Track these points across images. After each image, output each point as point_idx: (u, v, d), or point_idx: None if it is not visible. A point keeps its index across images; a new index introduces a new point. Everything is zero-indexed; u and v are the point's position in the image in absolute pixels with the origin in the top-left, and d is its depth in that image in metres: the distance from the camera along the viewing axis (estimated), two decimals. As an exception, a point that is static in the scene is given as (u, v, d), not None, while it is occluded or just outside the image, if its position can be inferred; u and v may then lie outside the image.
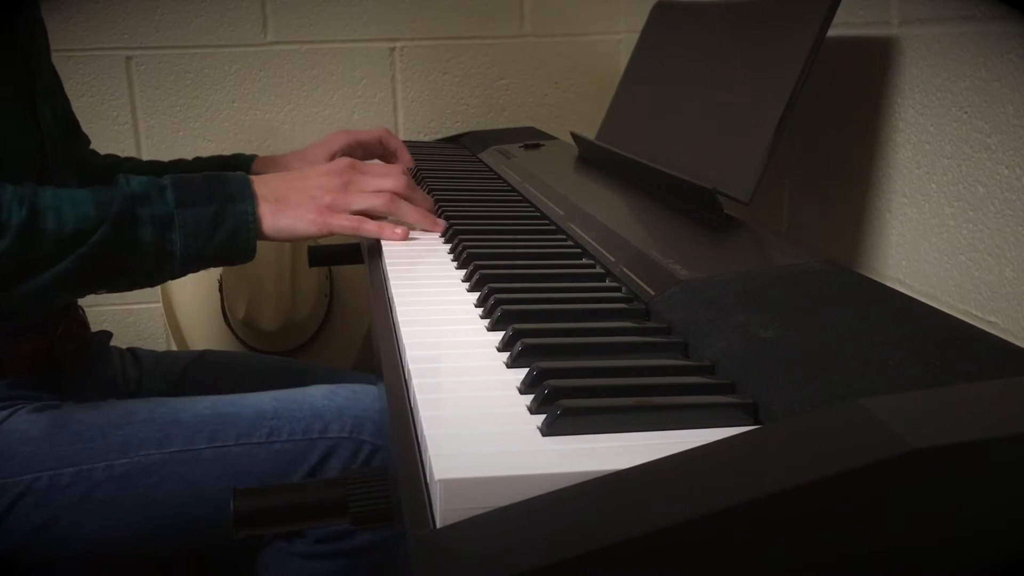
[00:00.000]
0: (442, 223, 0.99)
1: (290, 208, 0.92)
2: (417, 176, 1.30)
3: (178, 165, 1.20)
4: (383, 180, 0.97)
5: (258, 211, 0.90)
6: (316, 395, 0.97)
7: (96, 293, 0.96)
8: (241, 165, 1.18)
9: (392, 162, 1.29)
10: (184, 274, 0.91)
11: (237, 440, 0.92)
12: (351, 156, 1.24)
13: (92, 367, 1.07)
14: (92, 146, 1.24)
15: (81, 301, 1.07)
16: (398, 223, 0.96)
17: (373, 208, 0.95)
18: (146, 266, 0.87)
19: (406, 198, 0.97)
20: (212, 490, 0.90)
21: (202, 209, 0.88)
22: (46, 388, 0.98)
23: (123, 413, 0.94)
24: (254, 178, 0.93)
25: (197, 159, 1.21)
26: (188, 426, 0.92)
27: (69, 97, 1.15)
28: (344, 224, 0.93)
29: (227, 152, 1.23)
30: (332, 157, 1.18)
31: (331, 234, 0.94)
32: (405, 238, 0.95)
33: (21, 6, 0.98)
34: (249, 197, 0.90)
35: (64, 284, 0.84)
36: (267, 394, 0.98)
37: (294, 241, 0.95)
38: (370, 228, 0.94)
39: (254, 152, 1.23)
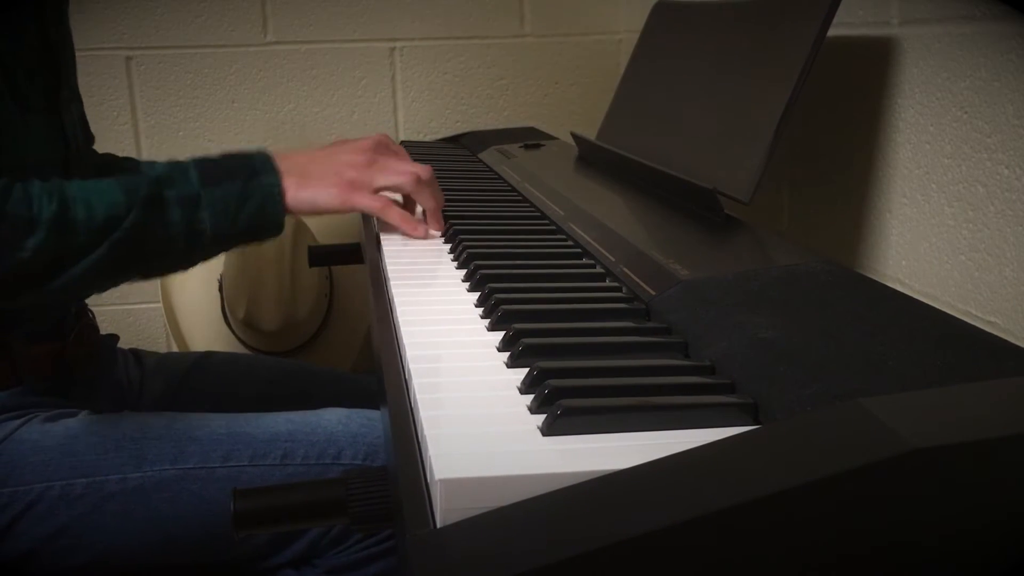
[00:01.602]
0: (443, 225, 0.99)
1: (314, 180, 0.90)
2: (417, 176, 1.30)
3: None
4: (409, 164, 0.97)
5: (283, 184, 0.89)
6: (331, 419, 0.97)
7: (131, 281, 0.95)
8: None
9: None
10: (217, 253, 0.90)
11: (251, 461, 0.92)
12: None
13: (101, 371, 1.07)
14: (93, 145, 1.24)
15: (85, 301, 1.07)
16: (420, 222, 0.96)
17: (397, 186, 0.95)
18: (177, 247, 0.86)
19: (428, 186, 0.97)
20: (223, 508, 0.89)
21: (227, 185, 0.87)
22: (57, 393, 0.98)
23: (138, 427, 0.94)
24: (277, 154, 0.92)
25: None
26: (203, 444, 0.92)
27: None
28: (368, 204, 0.92)
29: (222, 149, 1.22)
30: None
31: (353, 211, 0.93)
32: (425, 237, 0.95)
33: (52, 14, 0.97)
34: (272, 170, 0.89)
35: (100, 272, 0.83)
36: (282, 415, 0.97)
37: (316, 214, 0.93)
38: (394, 215, 0.94)
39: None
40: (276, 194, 0.88)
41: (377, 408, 1.04)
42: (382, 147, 0.96)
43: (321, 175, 0.91)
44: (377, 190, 0.94)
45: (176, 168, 0.87)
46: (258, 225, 0.89)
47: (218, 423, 0.95)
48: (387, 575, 0.94)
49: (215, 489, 0.90)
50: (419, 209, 1.01)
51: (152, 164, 0.88)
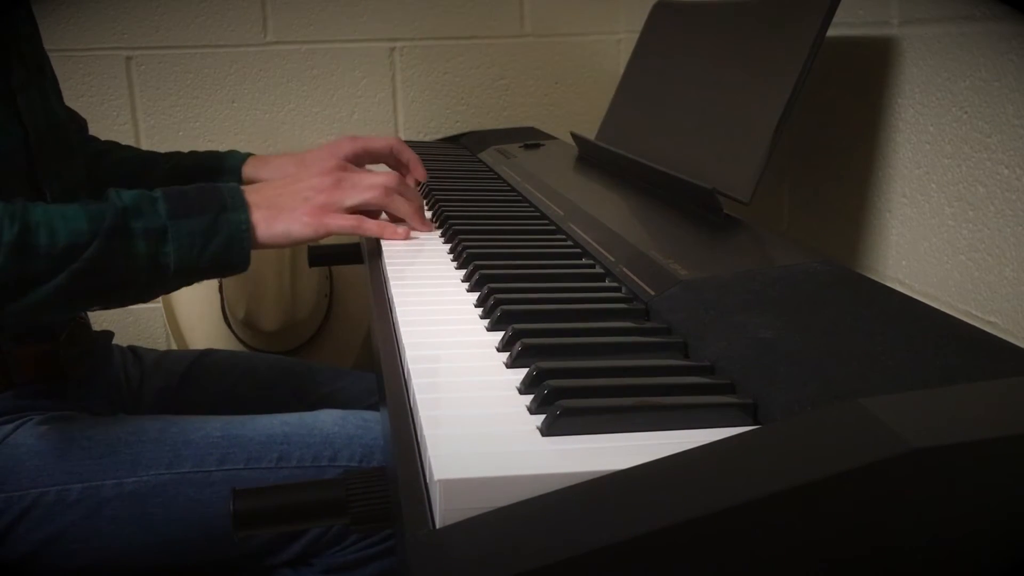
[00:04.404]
0: (431, 224, 0.99)
1: (284, 212, 0.90)
2: (418, 177, 1.29)
3: (172, 157, 1.19)
4: (375, 176, 0.96)
5: (252, 219, 0.88)
6: (327, 421, 0.97)
7: (91, 310, 0.94)
8: (233, 164, 1.16)
9: (403, 175, 1.20)
10: (178, 287, 0.89)
11: (247, 464, 0.92)
12: (358, 165, 1.22)
13: (96, 370, 1.07)
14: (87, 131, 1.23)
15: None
16: (399, 223, 0.95)
17: (367, 202, 0.94)
18: (140, 280, 0.85)
19: (399, 193, 0.96)
20: (219, 511, 0.89)
21: (195, 220, 0.86)
22: (51, 395, 0.97)
23: (133, 430, 0.93)
24: (246, 187, 0.92)
25: (193, 152, 1.20)
26: (198, 447, 0.92)
27: (69, 97, 1.14)
28: (342, 224, 0.92)
29: (222, 148, 1.22)
30: None
31: (329, 235, 0.92)
32: (407, 238, 0.94)
33: (5, 11, 0.95)
34: (242, 206, 0.88)
35: (58, 301, 0.82)
36: (277, 417, 0.97)
37: (292, 246, 0.93)
38: (370, 227, 0.93)
39: (252, 152, 1.23)
40: (244, 231, 0.88)
41: (374, 409, 1.04)
42: (344, 168, 0.96)
43: (292, 205, 0.90)
44: (348, 210, 0.93)
45: (144, 199, 0.86)
46: (223, 261, 0.88)
47: (213, 426, 0.95)
48: (384, 575, 0.94)
49: (211, 493, 0.90)
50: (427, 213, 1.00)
51: (119, 193, 0.86)
